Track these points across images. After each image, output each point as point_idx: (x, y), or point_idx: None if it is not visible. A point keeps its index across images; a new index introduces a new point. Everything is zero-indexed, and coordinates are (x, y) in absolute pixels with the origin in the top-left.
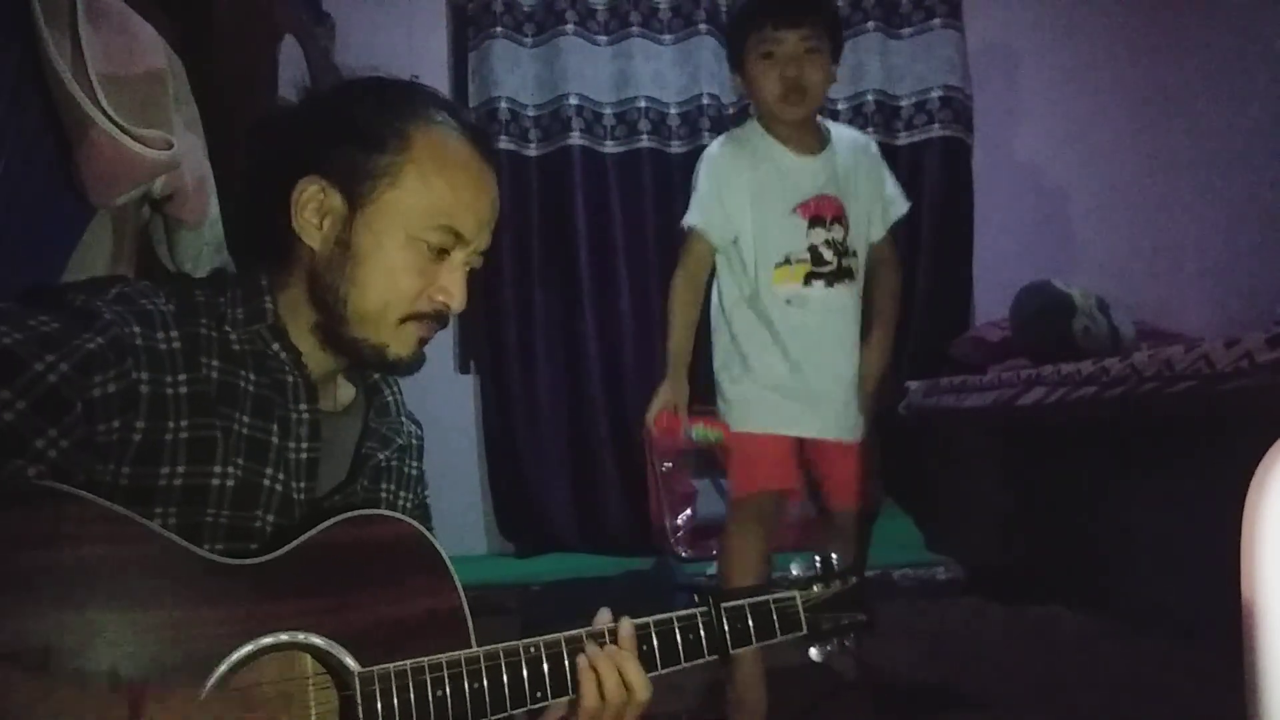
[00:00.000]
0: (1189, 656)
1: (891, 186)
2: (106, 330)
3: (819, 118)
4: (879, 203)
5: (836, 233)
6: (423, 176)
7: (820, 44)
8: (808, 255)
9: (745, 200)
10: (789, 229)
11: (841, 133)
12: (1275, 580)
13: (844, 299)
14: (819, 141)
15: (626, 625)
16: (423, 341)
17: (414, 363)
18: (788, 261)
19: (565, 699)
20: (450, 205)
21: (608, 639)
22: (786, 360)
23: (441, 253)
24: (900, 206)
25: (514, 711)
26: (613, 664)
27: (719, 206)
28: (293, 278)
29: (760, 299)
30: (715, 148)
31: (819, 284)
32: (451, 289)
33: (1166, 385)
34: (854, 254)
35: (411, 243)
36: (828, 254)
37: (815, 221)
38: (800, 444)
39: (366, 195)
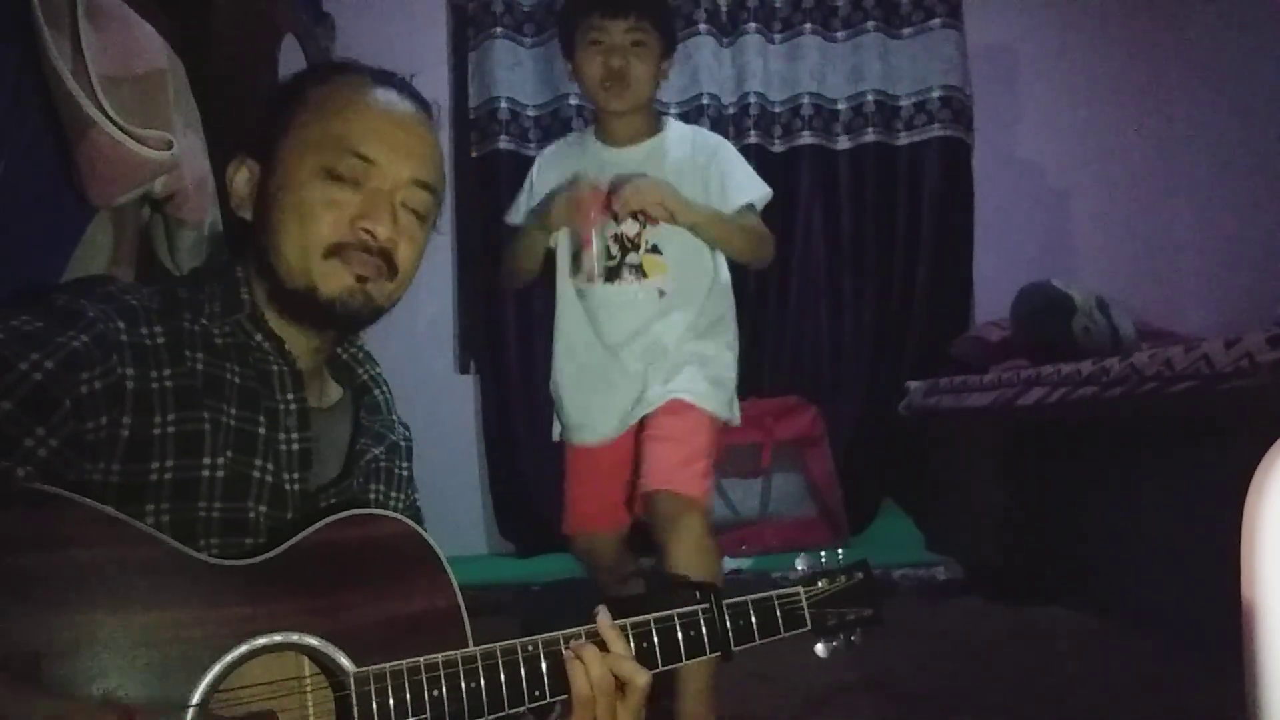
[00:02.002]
0: (1189, 656)
1: (737, 175)
2: (91, 328)
3: (666, 117)
4: (718, 193)
5: (629, 227)
6: (320, 113)
7: (647, 38)
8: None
9: (552, 190)
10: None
11: (680, 130)
12: (1275, 580)
13: (628, 297)
14: (642, 135)
15: (603, 614)
16: (360, 280)
17: (352, 305)
18: (577, 253)
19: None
20: (350, 131)
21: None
22: (572, 358)
23: (355, 182)
24: (746, 192)
25: (512, 711)
26: (597, 653)
27: (526, 201)
28: (250, 260)
29: (561, 291)
30: (549, 146)
31: (598, 279)
32: (372, 214)
33: (1166, 385)
34: (655, 251)
35: (317, 174)
36: (613, 248)
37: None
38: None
39: (274, 153)
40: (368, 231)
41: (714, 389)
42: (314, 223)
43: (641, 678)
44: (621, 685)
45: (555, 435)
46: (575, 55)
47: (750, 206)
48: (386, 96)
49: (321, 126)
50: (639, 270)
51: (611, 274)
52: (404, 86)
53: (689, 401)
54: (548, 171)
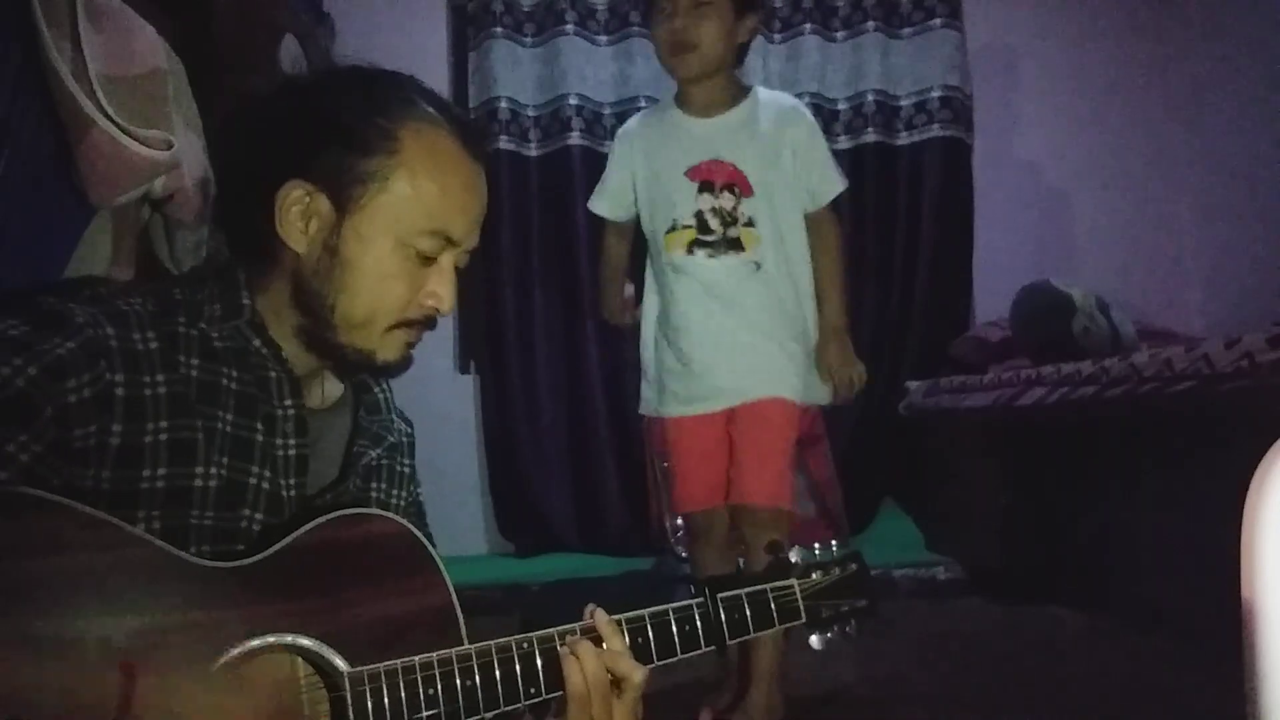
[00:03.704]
0: (1189, 656)
1: (825, 162)
2: (79, 333)
3: (756, 85)
4: (812, 175)
5: (726, 201)
6: (412, 180)
7: None
8: (694, 222)
9: (638, 165)
10: (680, 193)
11: (767, 97)
12: (1275, 580)
13: (729, 272)
14: (726, 103)
15: (599, 613)
16: (409, 346)
17: (402, 366)
18: (675, 227)
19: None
20: (441, 209)
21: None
22: (676, 330)
23: (431, 258)
24: (831, 187)
25: (508, 708)
26: (592, 649)
27: (611, 180)
28: (275, 279)
29: (658, 264)
30: (628, 122)
31: (701, 253)
32: (441, 293)
33: (1166, 385)
34: (750, 224)
35: (401, 248)
36: (713, 222)
37: (704, 187)
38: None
39: (355, 200)
40: (435, 309)
41: (803, 376)
42: (388, 296)
43: (638, 674)
44: (618, 682)
45: (643, 409)
46: (652, 29)
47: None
48: (471, 163)
49: (414, 197)
50: (736, 244)
51: (713, 249)
52: (476, 134)
53: (781, 397)
54: (629, 147)
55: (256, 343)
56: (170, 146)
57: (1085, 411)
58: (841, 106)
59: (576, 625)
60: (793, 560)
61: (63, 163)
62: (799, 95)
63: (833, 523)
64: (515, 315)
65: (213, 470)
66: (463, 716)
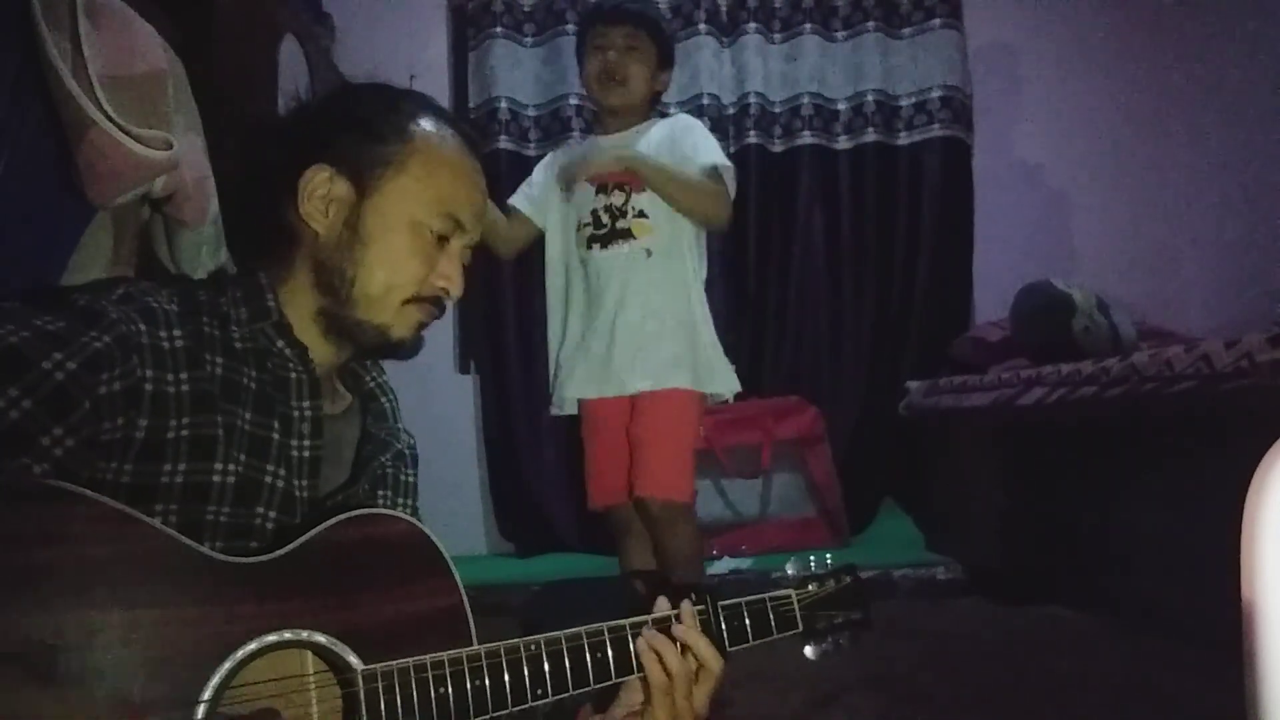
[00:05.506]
0: (1189, 656)
1: (695, 145)
2: (112, 329)
3: (665, 117)
4: (684, 150)
5: (616, 198)
6: (427, 165)
7: (641, 44)
8: (590, 219)
9: (552, 177)
10: (584, 197)
11: (669, 119)
12: (1275, 580)
13: (622, 261)
14: (634, 124)
15: (687, 605)
16: (421, 325)
17: (414, 346)
18: (579, 226)
19: (635, 677)
20: (452, 194)
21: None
22: (582, 320)
23: (442, 240)
24: (710, 155)
25: (515, 709)
26: (671, 643)
27: (528, 187)
28: (294, 266)
29: (571, 264)
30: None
31: (596, 247)
32: (451, 275)
33: (1166, 385)
34: (642, 215)
35: (416, 228)
36: (605, 217)
37: (600, 188)
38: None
39: (374, 182)
40: (445, 290)
41: (695, 364)
42: (403, 272)
43: (718, 664)
44: (697, 670)
45: (554, 409)
46: (584, 61)
47: (715, 170)
48: (473, 159)
49: (428, 180)
50: (628, 234)
51: (605, 241)
52: (477, 142)
53: (677, 387)
54: (551, 161)
55: (280, 344)
56: (170, 146)
57: (1085, 411)
58: (841, 106)
59: (582, 629)
60: (789, 571)
61: (63, 163)
62: (799, 95)
63: (833, 523)
64: (515, 315)
65: (230, 467)
66: (471, 715)
